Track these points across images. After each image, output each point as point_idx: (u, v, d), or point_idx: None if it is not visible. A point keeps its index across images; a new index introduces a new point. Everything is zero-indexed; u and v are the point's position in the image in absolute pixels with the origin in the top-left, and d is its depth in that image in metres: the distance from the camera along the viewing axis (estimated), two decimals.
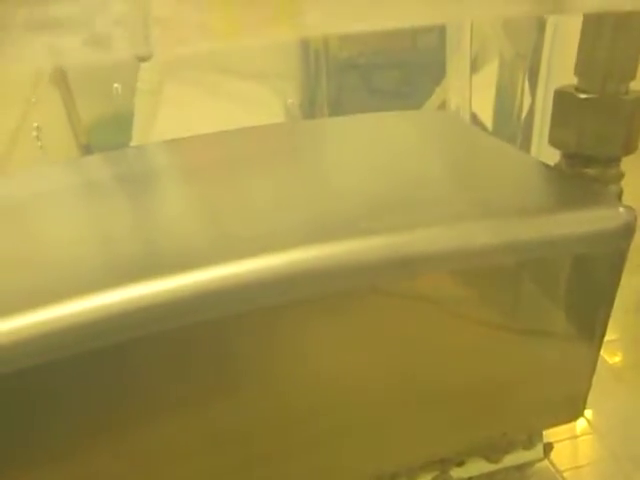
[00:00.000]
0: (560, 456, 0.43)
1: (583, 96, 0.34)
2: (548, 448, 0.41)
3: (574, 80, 0.36)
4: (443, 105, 0.75)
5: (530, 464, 0.42)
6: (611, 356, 0.52)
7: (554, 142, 0.37)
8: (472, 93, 0.72)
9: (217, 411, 0.31)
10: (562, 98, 0.36)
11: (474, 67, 0.73)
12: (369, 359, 0.33)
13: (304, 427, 0.33)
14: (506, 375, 0.36)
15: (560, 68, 0.61)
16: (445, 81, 0.72)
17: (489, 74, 0.75)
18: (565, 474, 0.42)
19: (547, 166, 0.38)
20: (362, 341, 0.32)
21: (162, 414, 0.30)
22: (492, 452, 0.39)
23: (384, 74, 0.91)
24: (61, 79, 0.72)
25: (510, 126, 0.73)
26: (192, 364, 0.29)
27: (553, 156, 0.38)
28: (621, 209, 0.33)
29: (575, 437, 0.45)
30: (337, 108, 0.86)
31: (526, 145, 0.71)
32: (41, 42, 0.18)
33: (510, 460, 0.40)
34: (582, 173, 0.36)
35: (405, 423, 0.36)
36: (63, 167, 0.46)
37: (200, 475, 0.33)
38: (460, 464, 0.40)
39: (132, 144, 0.73)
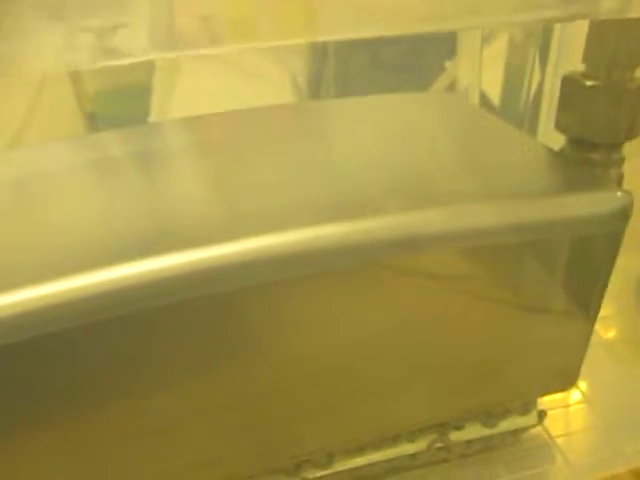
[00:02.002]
0: (553, 423, 0.46)
1: (589, 83, 0.36)
2: (542, 415, 0.44)
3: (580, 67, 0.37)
4: (453, 84, 0.75)
5: (524, 429, 0.44)
6: (605, 331, 0.54)
7: (560, 126, 0.38)
8: (481, 71, 0.72)
9: (229, 380, 0.32)
10: (569, 84, 0.37)
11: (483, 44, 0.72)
12: (374, 330, 0.34)
13: (309, 392, 0.35)
14: (504, 347, 0.38)
15: (571, 48, 0.62)
16: (456, 58, 0.72)
17: (497, 52, 0.75)
18: (557, 440, 0.45)
19: (550, 150, 0.39)
20: (367, 313, 0.33)
21: (174, 383, 0.31)
22: (489, 418, 0.42)
23: (392, 48, 0.90)
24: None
25: (517, 106, 0.73)
26: (203, 335, 0.31)
27: (560, 137, 0.39)
28: (619, 193, 0.34)
29: (568, 406, 0.48)
30: (344, 83, 0.85)
31: (533, 126, 0.71)
32: (56, 38, 0.18)
33: (506, 425, 0.43)
34: (585, 157, 0.37)
35: (406, 390, 0.38)
36: (75, 142, 0.47)
37: (213, 440, 0.35)
38: (458, 428, 0.42)
39: (150, 118, 0.74)
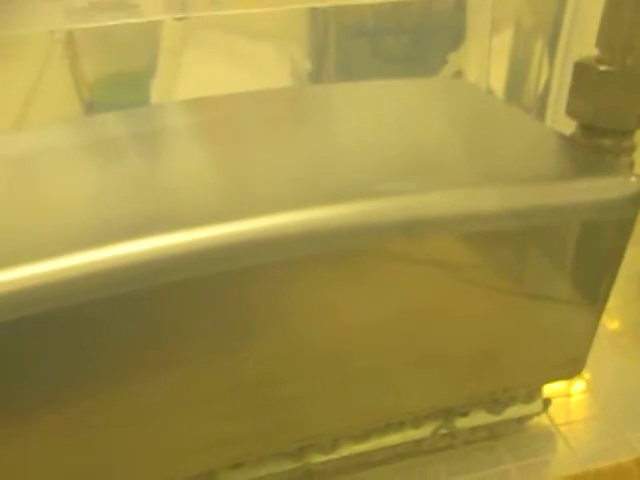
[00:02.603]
0: (557, 411, 0.46)
1: (603, 68, 0.35)
2: (547, 403, 0.44)
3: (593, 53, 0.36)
4: (459, 73, 0.75)
5: (529, 417, 0.44)
6: (610, 322, 0.54)
7: (571, 112, 0.38)
8: (482, 60, 0.71)
9: (234, 363, 0.32)
10: (582, 69, 0.37)
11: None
12: (380, 315, 0.34)
13: (313, 377, 0.35)
14: (511, 334, 0.38)
15: (580, 40, 0.61)
16: (464, 47, 0.72)
17: (503, 42, 0.74)
18: (561, 428, 0.45)
19: (561, 136, 0.39)
20: (374, 298, 0.33)
21: (179, 366, 0.31)
22: (494, 405, 0.42)
23: (394, 40, 0.89)
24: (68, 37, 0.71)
25: (522, 96, 0.72)
26: (209, 317, 0.30)
27: (567, 129, 0.39)
28: (633, 178, 0.34)
29: (572, 395, 0.48)
30: (345, 73, 0.84)
31: (540, 117, 0.71)
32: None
33: (511, 413, 0.43)
34: (596, 144, 0.37)
35: (412, 376, 0.38)
36: (74, 124, 0.47)
37: (218, 424, 0.35)
38: (463, 415, 0.42)
39: (152, 102, 0.73)
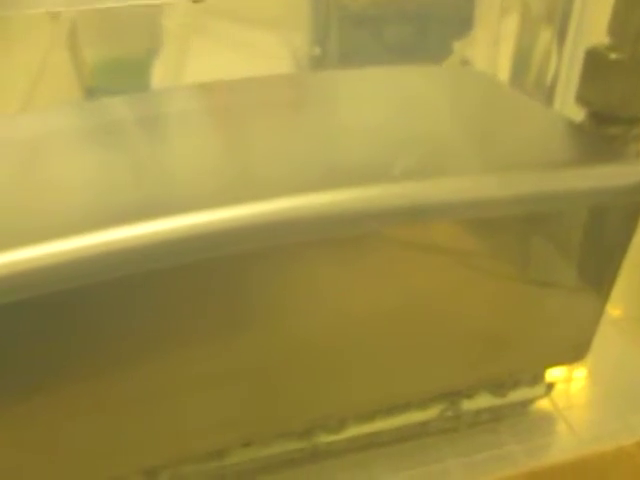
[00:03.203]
0: (560, 395, 0.46)
1: (614, 56, 0.36)
2: (550, 387, 0.44)
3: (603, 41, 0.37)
4: (464, 62, 0.74)
5: (532, 400, 0.45)
6: (613, 308, 0.55)
7: (581, 100, 0.38)
8: (489, 48, 0.71)
9: (244, 345, 0.33)
10: (593, 57, 0.37)
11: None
12: (390, 300, 0.34)
13: (322, 359, 0.36)
14: (519, 319, 0.38)
15: (589, 30, 0.61)
16: (471, 34, 0.72)
17: (507, 29, 0.74)
18: (564, 412, 0.46)
19: (571, 123, 0.39)
20: (383, 282, 0.34)
21: (191, 348, 0.32)
22: (499, 388, 0.43)
23: (398, 28, 0.87)
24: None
25: (529, 85, 0.72)
26: (218, 300, 0.31)
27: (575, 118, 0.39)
28: None
29: (575, 380, 0.49)
30: (347, 62, 0.82)
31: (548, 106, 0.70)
32: None
33: (515, 396, 0.43)
34: (606, 131, 0.37)
35: (419, 359, 0.38)
36: (77, 108, 0.47)
37: (229, 404, 0.35)
38: (469, 397, 0.43)
39: (152, 87, 0.73)
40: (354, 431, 0.42)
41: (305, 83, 0.50)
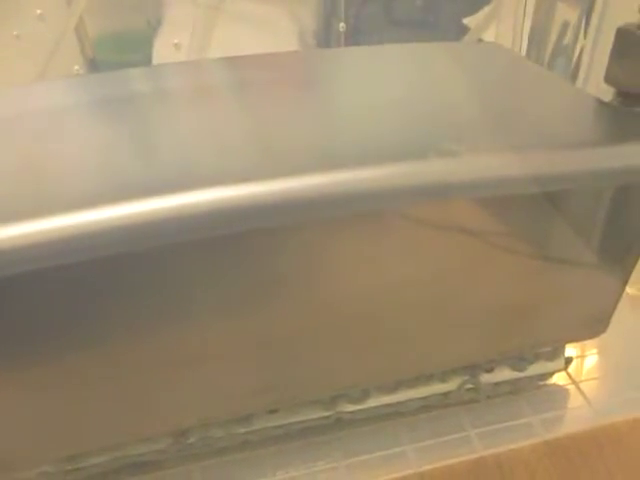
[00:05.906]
0: (576, 370, 0.48)
1: None
2: (568, 361, 0.45)
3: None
4: (480, 40, 0.74)
5: (550, 374, 0.46)
6: (630, 287, 0.56)
7: (609, 79, 0.38)
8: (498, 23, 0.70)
9: (274, 316, 0.34)
10: (623, 36, 0.37)
11: None
12: (415, 274, 0.35)
13: (348, 331, 0.36)
14: (542, 295, 0.39)
15: (616, 11, 0.60)
16: (490, 10, 0.71)
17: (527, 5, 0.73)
18: (580, 385, 0.47)
19: (600, 102, 0.39)
20: (410, 258, 0.34)
21: (226, 320, 0.33)
22: (519, 361, 0.44)
23: (408, 2, 0.85)
24: None
25: (553, 63, 0.71)
26: (242, 270, 0.31)
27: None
28: None
29: (590, 355, 0.50)
30: (354, 38, 0.81)
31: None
32: None
33: (534, 369, 0.44)
34: (635, 110, 0.37)
35: (444, 333, 0.39)
36: (80, 81, 0.47)
37: (260, 373, 0.36)
38: (489, 371, 0.44)
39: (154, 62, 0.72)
40: (377, 401, 0.43)
41: (329, 59, 0.50)
